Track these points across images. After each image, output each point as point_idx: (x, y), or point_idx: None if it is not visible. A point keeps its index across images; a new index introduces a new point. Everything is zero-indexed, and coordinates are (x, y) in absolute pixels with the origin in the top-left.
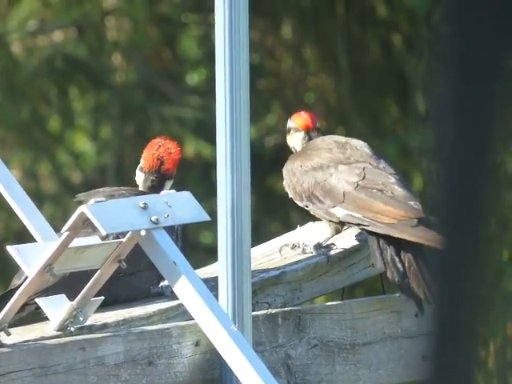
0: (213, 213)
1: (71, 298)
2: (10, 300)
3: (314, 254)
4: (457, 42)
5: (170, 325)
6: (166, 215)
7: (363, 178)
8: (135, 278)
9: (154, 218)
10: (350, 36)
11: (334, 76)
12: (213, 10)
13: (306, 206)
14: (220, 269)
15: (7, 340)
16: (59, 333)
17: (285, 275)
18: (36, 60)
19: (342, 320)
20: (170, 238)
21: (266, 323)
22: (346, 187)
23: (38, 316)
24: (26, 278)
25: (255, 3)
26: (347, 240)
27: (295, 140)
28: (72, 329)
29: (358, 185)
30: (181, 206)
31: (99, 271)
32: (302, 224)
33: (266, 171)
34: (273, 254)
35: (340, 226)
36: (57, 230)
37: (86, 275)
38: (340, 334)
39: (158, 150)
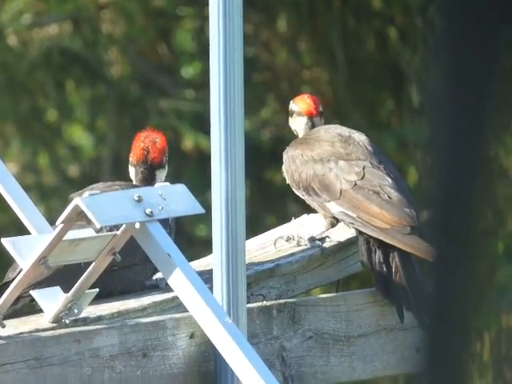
0: (209, 205)
1: (66, 290)
2: (4, 293)
3: (309, 246)
4: (450, 35)
5: (165, 317)
6: (160, 208)
7: (362, 178)
8: (130, 271)
9: (148, 211)
10: (345, 29)
11: (329, 69)
12: (207, 4)
13: (302, 195)
14: (215, 261)
15: (2, 332)
16: (54, 325)
17: (279, 268)
18: (32, 53)
19: (337, 312)
20: (164, 230)
21: (260, 315)
22: (344, 185)
23: (32, 308)
24: (21, 270)
25: None
26: (342, 233)
27: (297, 124)
28: (67, 321)
29: (355, 184)
30: (175, 198)
31: (94, 264)
32: (296, 216)
33: (261, 164)
34: (267, 246)
35: (335, 220)
36: (54, 222)
37: (81, 268)
38: (335, 325)
39: (144, 141)
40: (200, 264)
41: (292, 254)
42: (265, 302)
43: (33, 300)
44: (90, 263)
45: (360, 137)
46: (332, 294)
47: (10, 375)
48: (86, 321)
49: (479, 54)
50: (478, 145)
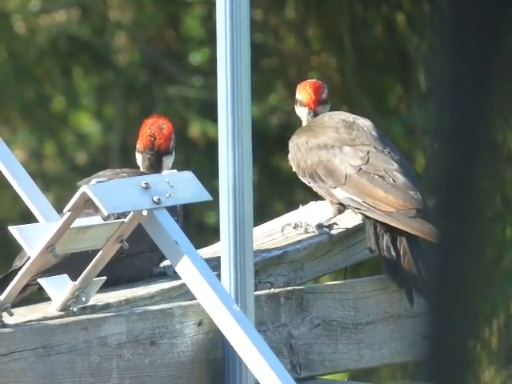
0: (217, 192)
1: (73, 278)
2: (12, 281)
3: (317, 233)
4: (455, 19)
5: (173, 305)
6: (167, 195)
7: (366, 162)
8: (137, 259)
9: (155, 198)
10: (353, 15)
11: (337, 55)
12: None
13: (309, 183)
14: (222, 248)
15: (10, 320)
16: (62, 313)
17: (287, 255)
18: (40, 40)
19: (345, 299)
20: (171, 217)
21: (268, 303)
22: (349, 170)
23: (40, 296)
24: (28, 259)
25: None
26: (349, 219)
27: (301, 113)
28: (74, 309)
29: (360, 169)
30: (183, 185)
31: (101, 251)
32: (304, 203)
33: (269, 150)
34: (275, 233)
35: (342, 206)
36: (61, 210)
37: (88, 255)
38: (343, 313)
39: (150, 127)
40: (207, 251)
41: (299, 241)
42: (272, 290)
43: (40, 288)
44: (97, 251)
45: (365, 122)
46: (340, 281)
47: (17, 363)
48: (93, 309)
49: (484, 37)
50: (483, 130)
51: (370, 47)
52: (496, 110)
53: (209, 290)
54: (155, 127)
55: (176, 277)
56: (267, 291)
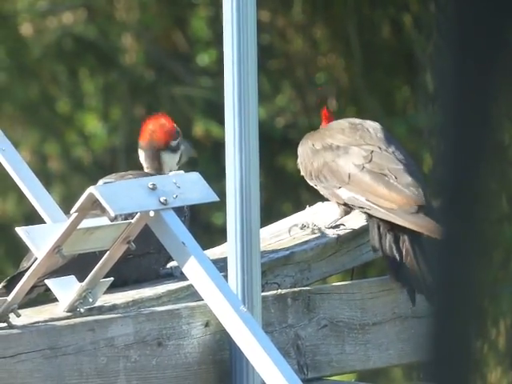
0: (223, 193)
1: (80, 279)
2: (19, 282)
3: (324, 234)
4: (460, 19)
5: (180, 306)
6: (174, 196)
7: (370, 161)
8: (144, 259)
9: (162, 199)
10: (361, 16)
11: (344, 56)
12: None
13: (316, 186)
14: (229, 249)
15: (17, 321)
16: (69, 314)
17: (294, 255)
18: (45, 41)
19: (352, 300)
20: (178, 218)
21: (275, 304)
22: (352, 169)
23: (47, 297)
24: (35, 260)
25: None
26: (356, 220)
27: None
28: (81, 310)
29: (363, 167)
30: (189, 186)
31: (108, 252)
32: (311, 204)
33: (276, 151)
34: (282, 234)
35: (348, 207)
36: (67, 211)
37: (95, 256)
38: (350, 314)
39: (150, 124)
40: (214, 252)
41: (306, 242)
42: (279, 291)
43: (47, 289)
44: (104, 252)
45: (371, 124)
46: (347, 281)
47: (24, 364)
48: (100, 310)
49: (489, 38)
50: (489, 131)
51: (377, 48)
52: (502, 111)
53: (216, 290)
54: (155, 124)
55: (183, 278)
56: (274, 292)
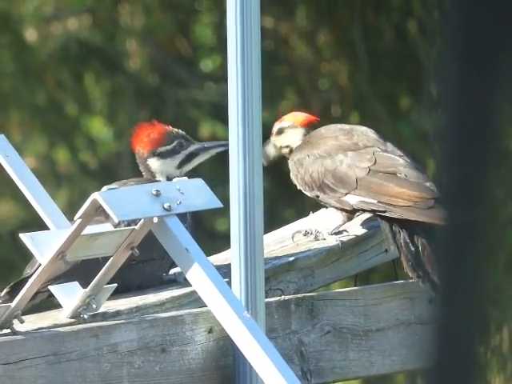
0: (228, 199)
1: (84, 285)
2: (23, 288)
3: (327, 240)
4: (462, 25)
5: (183, 312)
6: (178, 202)
7: (374, 163)
8: (148, 266)
9: (166, 205)
10: (365, 22)
11: (348, 62)
12: None
13: (317, 196)
14: (233, 255)
15: (21, 327)
16: (72, 320)
17: (297, 262)
18: (51, 46)
19: (355, 306)
20: (182, 224)
21: (279, 310)
22: (359, 173)
23: (51, 303)
24: (39, 266)
25: None
26: (360, 226)
27: (291, 137)
28: (85, 316)
29: (370, 170)
30: (193, 192)
31: (112, 258)
32: (314, 211)
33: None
34: (285, 240)
35: (352, 213)
36: (73, 216)
37: (99, 263)
38: (353, 320)
39: (137, 132)
40: (218, 258)
41: (310, 248)
42: (283, 297)
43: (51, 295)
44: (108, 258)
45: (362, 128)
46: (350, 288)
47: (28, 371)
48: (104, 316)
49: (492, 42)
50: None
51: (382, 54)
52: (506, 116)
53: (219, 297)
54: (140, 132)
55: (186, 284)
56: (278, 298)
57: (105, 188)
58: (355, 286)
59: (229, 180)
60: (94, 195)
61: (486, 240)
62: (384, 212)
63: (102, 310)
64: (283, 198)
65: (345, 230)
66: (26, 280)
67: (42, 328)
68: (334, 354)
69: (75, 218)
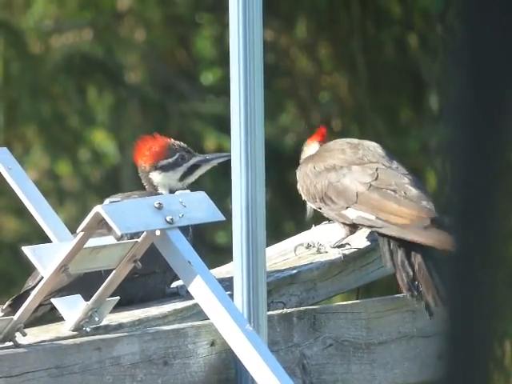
0: (229, 211)
1: (86, 298)
2: (25, 301)
3: (329, 253)
4: (470, 40)
5: (186, 325)
6: (180, 215)
7: (376, 179)
8: (150, 279)
9: (168, 218)
10: (365, 35)
11: (348, 75)
12: (227, 10)
13: (320, 208)
14: (235, 268)
15: (23, 340)
16: (75, 333)
17: (300, 275)
18: (54, 59)
19: (357, 319)
20: (184, 237)
21: (281, 323)
22: (359, 188)
23: (53, 316)
24: (41, 279)
25: (270, 3)
26: (362, 239)
27: (309, 151)
28: (87, 329)
29: (371, 185)
30: (195, 205)
31: (114, 271)
32: (317, 224)
33: (281, 170)
34: (288, 253)
35: (354, 227)
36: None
37: (101, 275)
38: (355, 333)
39: (140, 146)
40: (220, 271)
41: (312, 261)
42: (285, 310)
43: (53, 308)
44: (110, 271)
45: (370, 143)
46: (352, 301)
47: None
48: (106, 329)
49: (499, 57)
50: (497, 150)
51: (382, 67)
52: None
53: (222, 309)
54: (141, 146)
55: (189, 297)
56: (280, 311)
57: (107, 201)
58: (357, 299)
59: (231, 193)
60: (97, 208)
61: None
62: (381, 228)
63: (104, 322)
64: (285, 211)
65: (347, 243)
66: (28, 293)
67: (44, 341)
68: (336, 367)
69: (78, 231)
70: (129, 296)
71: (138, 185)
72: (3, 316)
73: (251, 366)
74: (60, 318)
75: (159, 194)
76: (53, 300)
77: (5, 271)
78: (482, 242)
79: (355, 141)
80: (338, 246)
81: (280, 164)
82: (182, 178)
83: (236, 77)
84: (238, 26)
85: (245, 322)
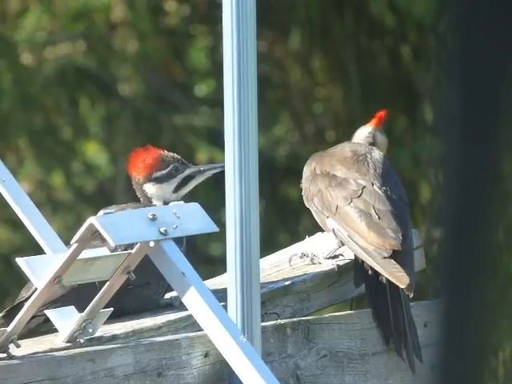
0: (223, 223)
1: (80, 309)
2: (19, 312)
3: (323, 264)
4: (462, 52)
5: (180, 336)
6: (174, 226)
7: (358, 197)
8: (144, 290)
9: (162, 230)
10: (359, 46)
11: (342, 86)
12: (221, 21)
13: (311, 209)
14: (229, 279)
15: (17, 352)
16: (68, 344)
17: (293, 286)
18: (46, 71)
19: (351, 330)
20: (178, 249)
21: (275, 334)
22: (340, 201)
23: (47, 328)
24: (35, 290)
25: (263, 14)
26: None
27: (357, 136)
28: (81, 340)
29: (351, 201)
30: (189, 217)
31: (108, 283)
32: (310, 235)
33: (275, 181)
34: (281, 264)
35: None
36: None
37: (95, 287)
38: (349, 344)
39: (132, 159)
40: (214, 283)
41: (306, 272)
42: (279, 321)
43: (47, 319)
44: (104, 282)
45: (376, 156)
46: (346, 312)
47: None
48: (100, 340)
49: (491, 69)
50: (490, 162)
51: (376, 78)
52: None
53: (215, 321)
54: (134, 158)
55: (183, 308)
56: (274, 322)
57: (101, 212)
58: (351, 309)
59: (225, 204)
60: (91, 219)
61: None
62: (348, 244)
63: (98, 334)
64: (278, 223)
65: (340, 254)
66: (21, 304)
67: (38, 352)
68: (330, 378)
69: (72, 243)
70: (122, 307)
71: (130, 196)
72: None
73: (245, 377)
74: (54, 330)
75: (153, 205)
76: (46, 311)
77: None
78: (475, 253)
79: (362, 151)
80: (332, 257)
81: (273, 175)
82: (177, 189)
83: (230, 88)
84: (231, 37)
85: (239, 333)
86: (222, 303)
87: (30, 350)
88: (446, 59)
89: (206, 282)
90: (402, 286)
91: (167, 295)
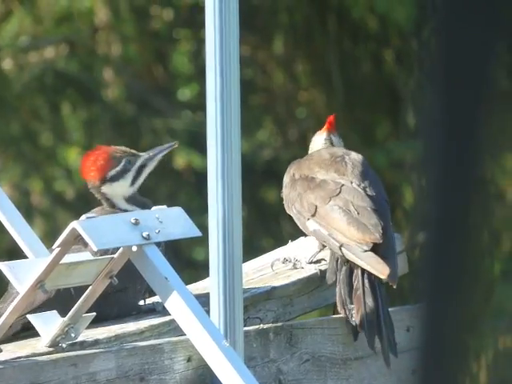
0: (206, 227)
1: (63, 314)
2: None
3: (305, 269)
4: (443, 56)
5: (162, 340)
6: (157, 231)
7: (337, 195)
8: (125, 294)
9: (145, 234)
10: (342, 51)
11: (325, 91)
12: (204, 25)
13: (292, 215)
14: (212, 284)
15: None
16: (51, 349)
17: (276, 290)
18: (27, 76)
19: (334, 335)
20: (161, 253)
21: (257, 338)
22: (319, 202)
23: (29, 332)
24: (12, 301)
25: (246, 18)
26: None
27: (315, 143)
28: (64, 345)
29: (329, 201)
30: (172, 221)
31: (91, 287)
32: (293, 239)
33: (257, 186)
34: (264, 269)
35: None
36: (49, 245)
37: (78, 291)
38: (332, 348)
39: (84, 163)
40: (197, 287)
41: (289, 277)
42: (262, 325)
43: (30, 324)
44: (86, 287)
45: (354, 157)
46: (329, 316)
47: None
48: (83, 345)
49: (473, 73)
50: (471, 166)
51: (359, 83)
52: (485, 147)
53: (198, 325)
54: (84, 165)
55: (165, 312)
56: (256, 327)
57: (83, 217)
58: (334, 314)
59: (207, 209)
60: (73, 224)
61: (468, 268)
62: (330, 244)
63: (80, 338)
64: (261, 227)
65: (323, 259)
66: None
67: (20, 357)
68: (312, 383)
69: (54, 247)
70: (104, 312)
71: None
72: None
73: (227, 381)
74: (36, 334)
75: (118, 209)
76: (29, 316)
77: None
78: (457, 257)
79: (340, 152)
80: (314, 262)
81: (255, 179)
82: (133, 181)
83: (212, 92)
84: (214, 41)
85: (221, 338)
86: (205, 308)
87: (12, 355)
88: (428, 63)
89: (189, 286)
90: (382, 277)
91: (149, 300)
